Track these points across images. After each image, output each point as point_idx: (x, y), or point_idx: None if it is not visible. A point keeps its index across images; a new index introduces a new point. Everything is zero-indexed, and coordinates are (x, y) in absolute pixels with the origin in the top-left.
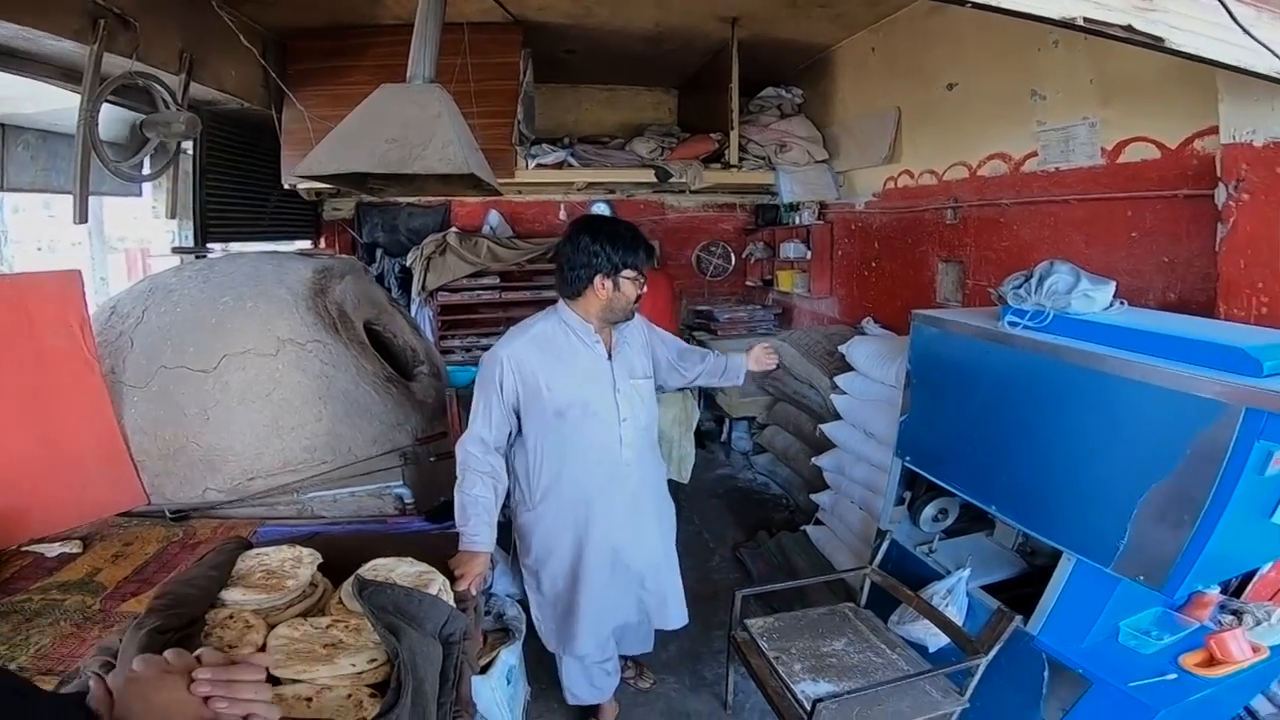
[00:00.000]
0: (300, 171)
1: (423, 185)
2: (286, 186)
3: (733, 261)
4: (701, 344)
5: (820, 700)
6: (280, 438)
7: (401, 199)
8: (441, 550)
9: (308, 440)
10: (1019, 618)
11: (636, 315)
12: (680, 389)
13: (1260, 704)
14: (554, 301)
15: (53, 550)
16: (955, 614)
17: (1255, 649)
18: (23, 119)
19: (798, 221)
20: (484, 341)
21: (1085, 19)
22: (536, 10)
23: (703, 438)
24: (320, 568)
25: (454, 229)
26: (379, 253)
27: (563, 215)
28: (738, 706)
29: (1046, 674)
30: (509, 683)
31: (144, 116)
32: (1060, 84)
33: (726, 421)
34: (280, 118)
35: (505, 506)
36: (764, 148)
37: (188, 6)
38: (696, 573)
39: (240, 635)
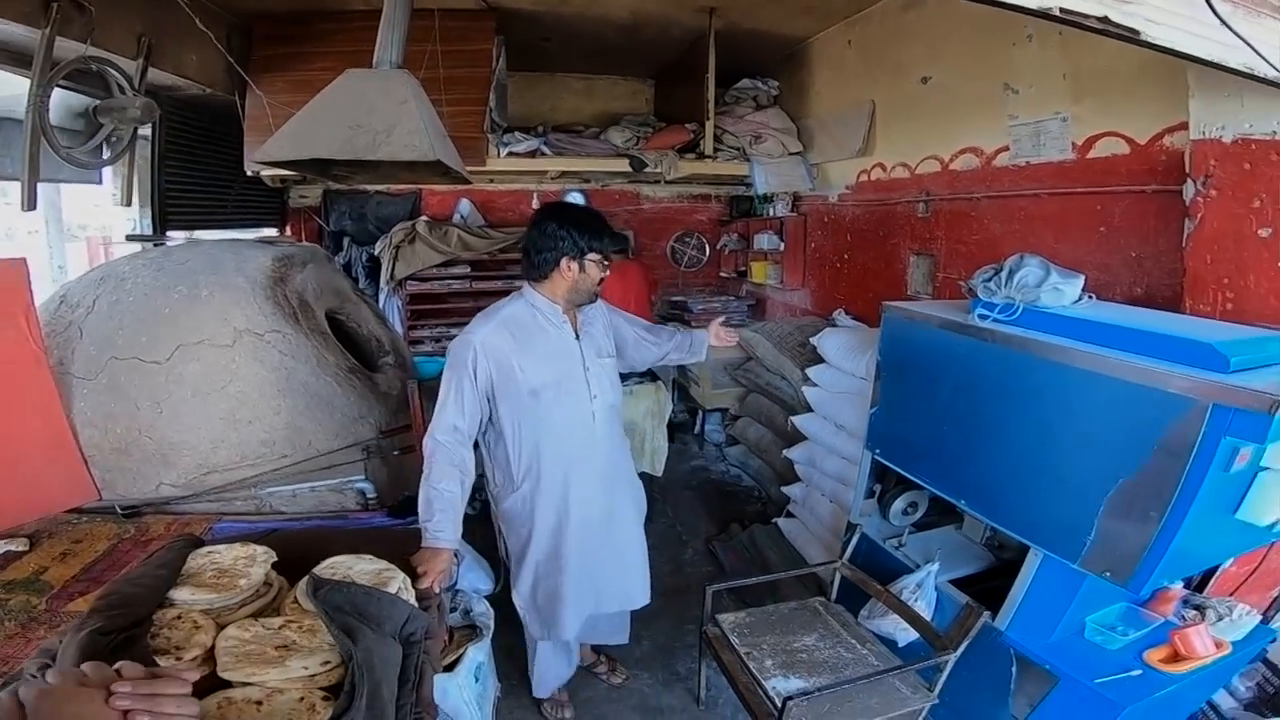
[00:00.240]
0: (259, 157)
1: (390, 172)
2: (250, 173)
3: (707, 253)
4: None
5: (791, 698)
6: (237, 431)
7: (370, 186)
8: (404, 546)
9: (266, 434)
10: (987, 614)
11: (598, 299)
12: (655, 365)
13: (1222, 698)
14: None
15: None
16: (924, 608)
17: (1218, 644)
18: None
19: (771, 213)
20: (454, 332)
21: (1062, 10)
22: None
23: (676, 429)
24: (277, 566)
25: (424, 218)
26: (346, 241)
27: (535, 205)
28: (711, 702)
29: (1014, 669)
30: (477, 680)
31: (98, 102)
32: (1033, 79)
33: (700, 413)
34: (244, 104)
35: (474, 499)
36: (739, 139)
37: None
38: (669, 565)
39: (188, 636)
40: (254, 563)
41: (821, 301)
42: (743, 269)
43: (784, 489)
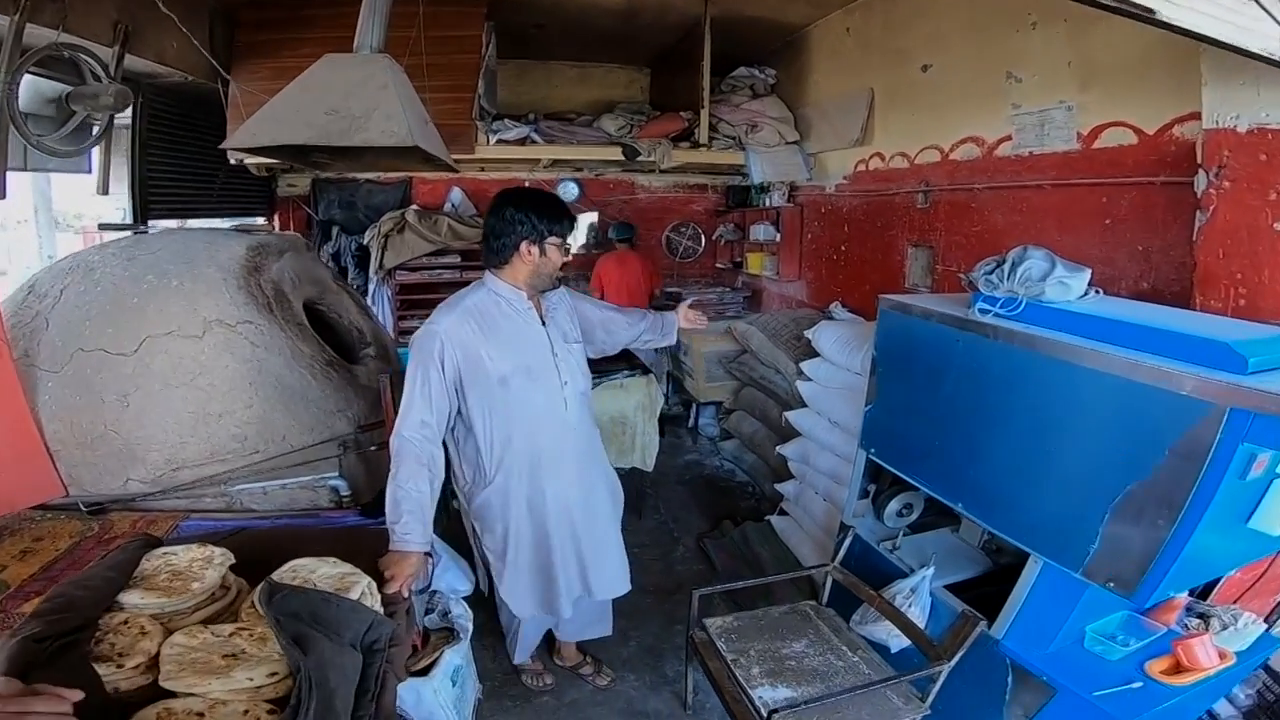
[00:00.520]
0: (230, 143)
1: (373, 160)
2: (233, 161)
3: (703, 243)
4: None
5: (777, 710)
6: (207, 425)
7: (360, 175)
8: (376, 547)
9: (237, 429)
10: (983, 623)
11: (561, 286)
12: (632, 348)
13: (1221, 706)
14: None
15: None
16: (918, 615)
17: (1222, 655)
18: None
19: (768, 204)
20: None
21: None
22: None
23: (670, 423)
24: (245, 566)
25: (414, 206)
26: (335, 230)
27: None
28: (698, 706)
29: (1010, 680)
30: (454, 684)
31: (71, 89)
32: (1037, 67)
33: (694, 406)
34: (226, 91)
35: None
36: (735, 127)
37: None
38: (660, 564)
39: (132, 642)
40: (210, 565)
41: (818, 293)
42: (739, 260)
43: (777, 486)
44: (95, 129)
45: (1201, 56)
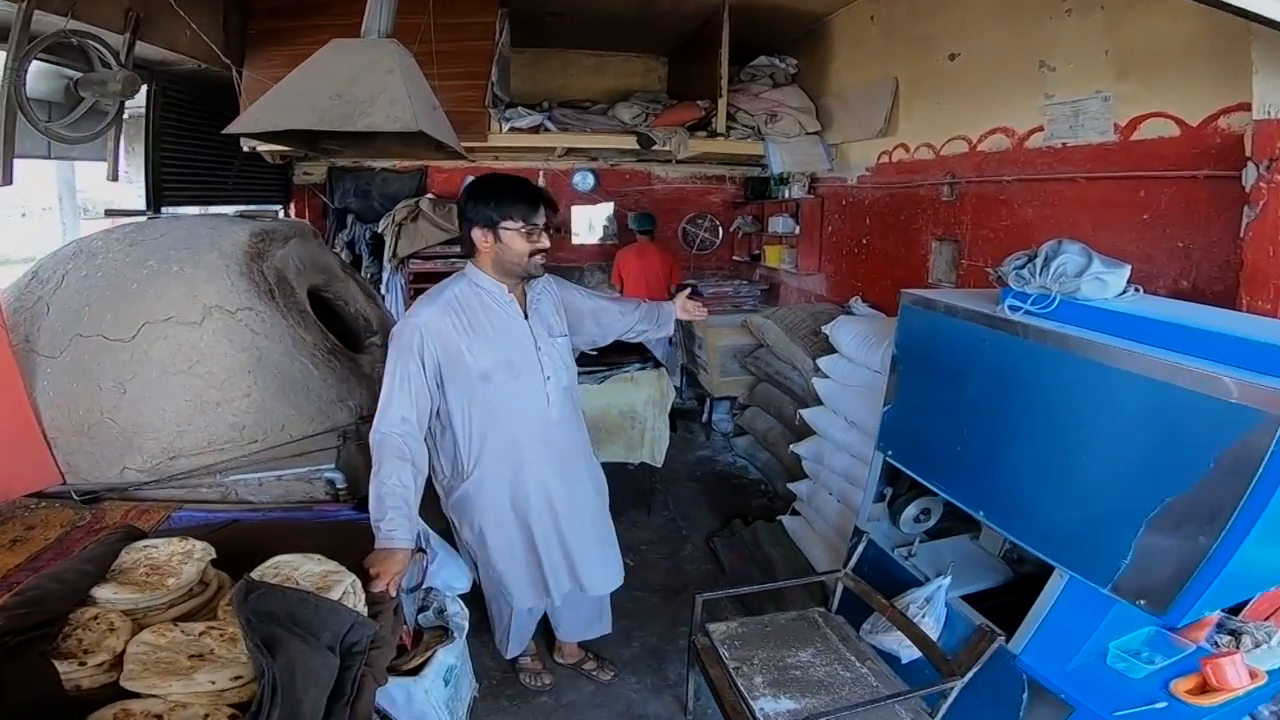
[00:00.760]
0: (234, 128)
1: (383, 146)
2: (247, 149)
3: (720, 235)
4: None
5: None
6: (204, 414)
7: (375, 163)
8: (367, 544)
9: (235, 417)
10: (1001, 638)
11: (546, 275)
12: (627, 338)
13: None
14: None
15: None
16: (932, 625)
17: (1253, 674)
18: None
19: (787, 195)
20: None
21: None
22: None
23: (683, 417)
24: (234, 560)
25: (428, 195)
26: (350, 219)
27: (541, 182)
28: (699, 712)
29: (1026, 696)
30: (447, 684)
31: (80, 75)
32: (1072, 55)
33: (708, 401)
34: (241, 78)
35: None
36: (754, 117)
37: None
38: (668, 563)
39: (99, 639)
40: (189, 560)
41: (838, 288)
42: (756, 252)
43: (790, 485)
44: (104, 116)
45: (1252, 42)
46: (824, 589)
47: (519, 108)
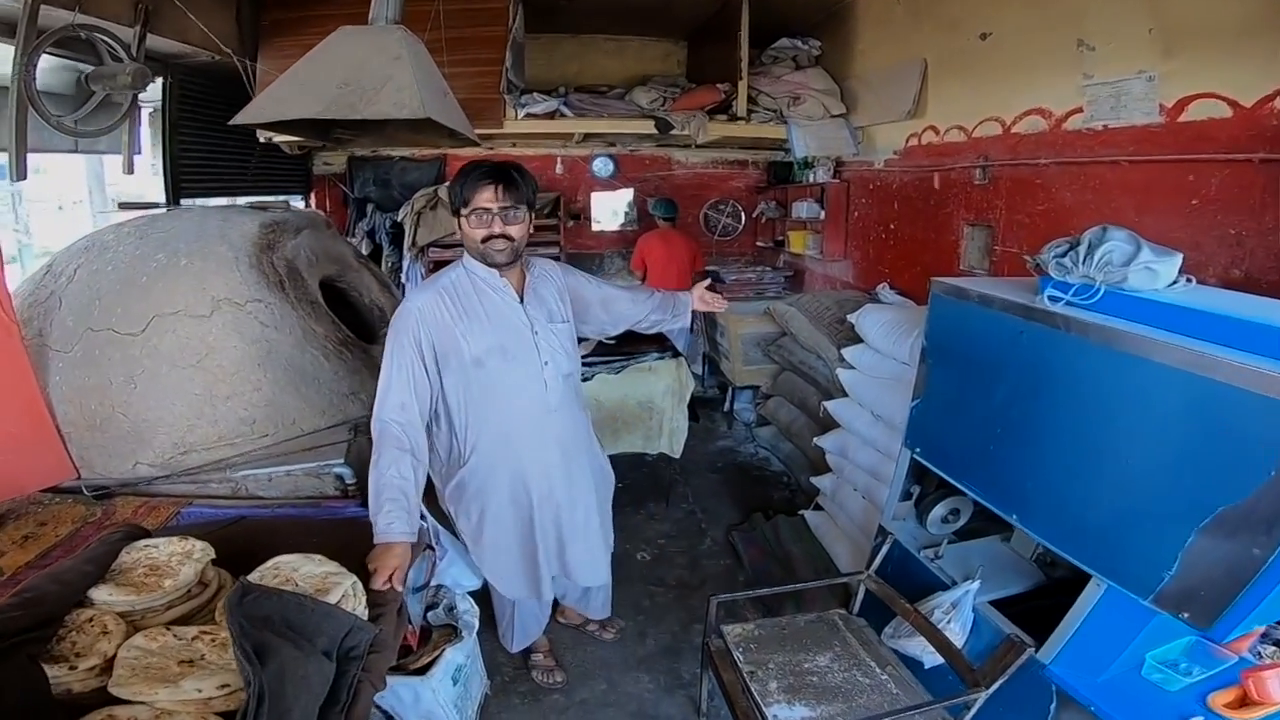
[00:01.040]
0: (240, 119)
1: (393, 134)
2: (262, 140)
3: (742, 221)
4: None
5: None
6: (214, 408)
7: (394, 152)
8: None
9: (245, 411)
10: (1031, 649)
11: (550, 260)
12: (640, 329)
13: None
14: (549, 258)
15: None
16: (958, 631)
17: None
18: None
19: (812, 180)
20: None
21: None
22: None
23: (704, 406)
24: (241, 557)
25: (447, 183)
26: (370, 208)
27: (560, 169)
28: (714, 713)
29: (1054, 707)
30: (456, 683)
31: (91, 69)
32: (1112, 33)
33: (730, 389)
34: (255, 70)
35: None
36: (776, 100)
37: None
38: (685, 557)
39: (92, 642)
40: (187, 560)
41: (864, 274)
42: (780, 238)
43: (813, 480)
44: (116, 109)
45: None
46: (846, 589)
47: (534, 94)
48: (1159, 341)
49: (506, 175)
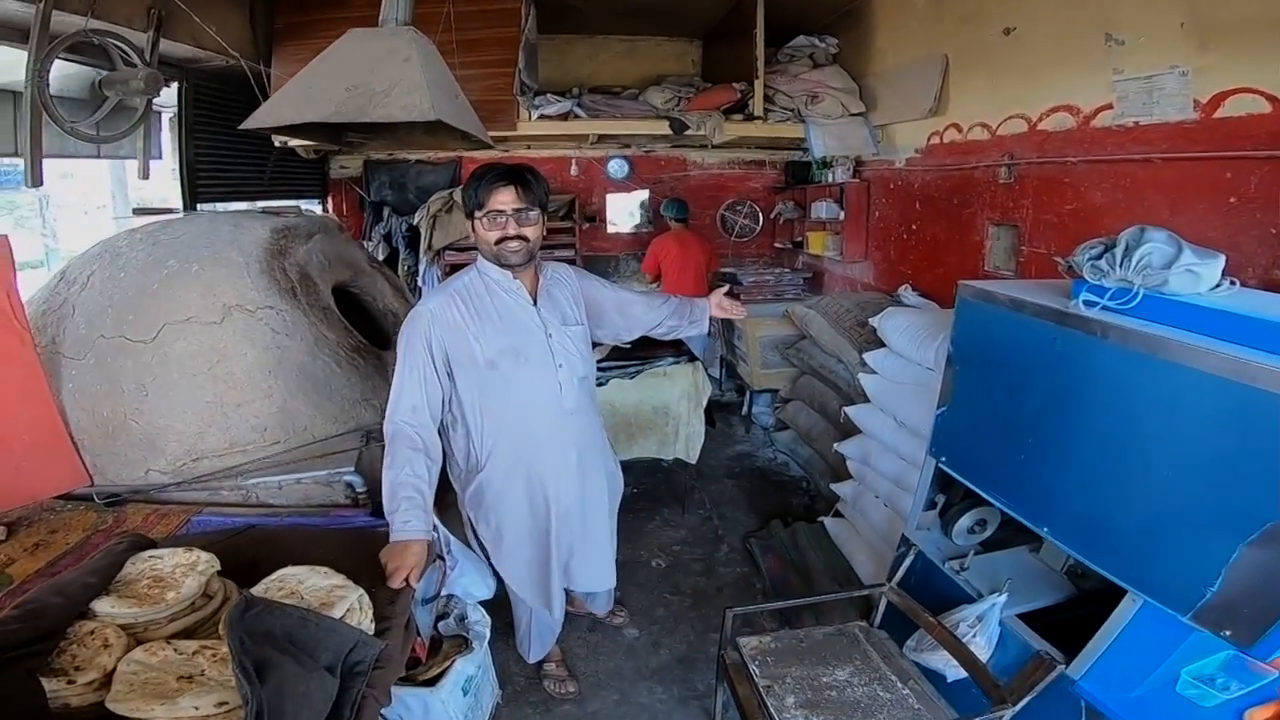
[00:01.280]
0: (250, 124)
1: (405, 136)
2: (278, 144)
3: (760, 222)
4: None
5: None
6: (225, 415)
7: (410, 155)
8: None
9: (256, 419)
10: (1062, 667)
11: (564, 264)
12: (656, 335)
13: None
14: (563, 261)
15: None
16: (983, 645)
17: None
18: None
19: (831, 180)
20: None
21: None
22: None
23: (722, 409)
24: (250, 567)
25: (462, 186)
26: (387, 211)
27: (574, 171)
28: None
29: None
30: (466, 694)
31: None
32: (1143, 27)
33: (748, 393)
34: (269, 74)
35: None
36: (793, 99)
37: None
38: (701, 564)
39: (92, 656)
40: (192, 572)
41: (885, 276)
42: (798, 239)
43: (833, 486)
44: (131, 114)
45: None
46: (867, 600)
47: (548, 95)
48: (1205, 349)
49: (520, 176)
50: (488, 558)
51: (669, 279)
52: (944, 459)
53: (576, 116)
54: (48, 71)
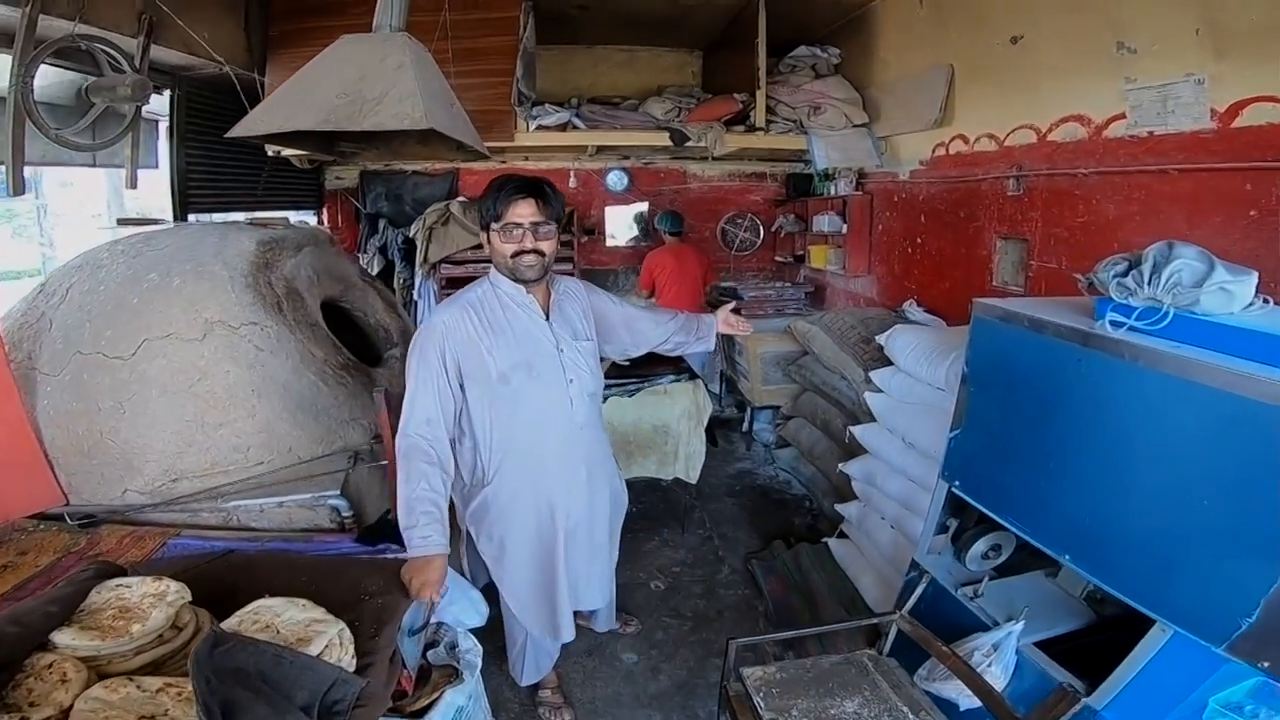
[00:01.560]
0: (236, 132)
1: (400, 146)
2: (271, 153)
3: (761, 235)
4: None
5: None
6: (206, 435)
7: (407, 166)
8: (364, 583)
9: (238, 439)
10: (1084, 700)
11: (575, 279)
12: (662, 351)
13: None
14: (564, 274)
15: None
16: (999, 675)
17: None
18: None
19: (833, 192)
20: None
21: None
22: None
23: (721, 425)
24: (228, 595)
25: (460, 198)
26: (383, 224)
27: (573, 183)
28: None
29: None
30: None
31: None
32: (1155, 34)
33: (749, 409)
34: (264, 82)
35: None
36: (795, 110)
37: None
38: (701, 586)
39: (48, 691)
40: (160, 603)
41: (889, 291)
42: (800, 253)
43: (838, 507)
44: (120, 121)
45: None
46: (874, 626)
47: (546, 105)
48: (1246, 374)
49: (539, 190)
50: (487, 573)
51: (664, 294)
52: (957, 483)
53: (575, 127)
54: (32, 77)
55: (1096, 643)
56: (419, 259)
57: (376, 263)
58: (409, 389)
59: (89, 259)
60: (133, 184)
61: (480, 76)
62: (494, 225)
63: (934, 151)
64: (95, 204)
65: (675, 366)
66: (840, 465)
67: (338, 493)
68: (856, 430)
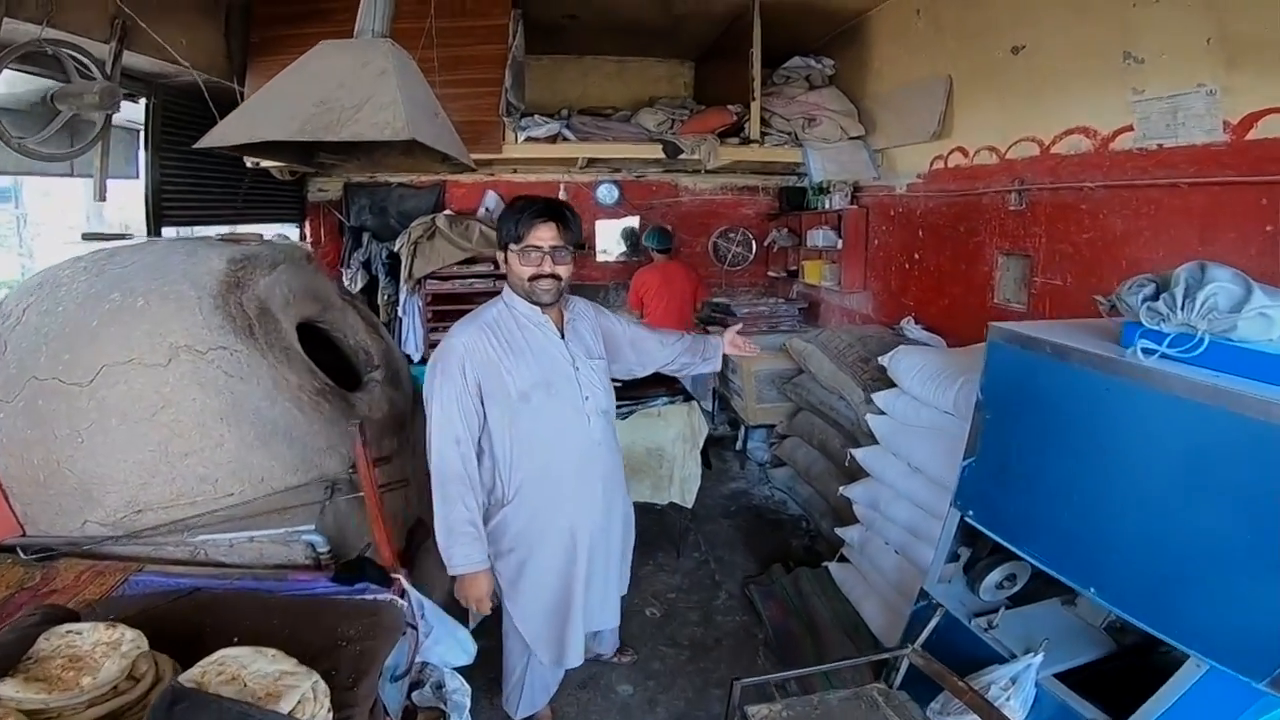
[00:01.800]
0: (205, 142)
1: (382, 158)
2: (249, 164)
3: (754, 250)
4: None
5: None
6: (171, 465)
7: (391, 179)
8: (342, 626)
9: (205, 469)
10: None
11: (582, 299)
12: (668, 371)
13: None
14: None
15: None
16: (1017, 709)
17: None
18: None
19: (828, 206)
20: None
21: None
22: None
23: (713, 444)
24: (193, 639)
25: (446, 212)
26: (366, 237)
27: (562, 196)
28: None
29: None
30: None
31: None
32: (1164, 44)
33: (743, 428)
34: (243, 90)
35: None
36: (789, 122)
37: None
38: (698, 613)
39: None
40: (113, 652)
41: (886, 307)
42: (794, 268)
43: (839, 531)
44: (88, 130)
45: None
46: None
47: (535, 116)
48: None
49: (561, 214)
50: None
51: (652, 312)
52: (971, 513)
53: (565, 139)
54: None
55: (1115, 669)
56: (404, 274)
57: (360, 278)
58: (436, 409)
59: (48, 277)
60: (101, 196)
61: (468, 86)
62: (513, 246)
63: (932, 164)
64: (74, 215)
65: (670, 388)
66: (841, 489)
67: (313, 527)
68: (858, 453)
